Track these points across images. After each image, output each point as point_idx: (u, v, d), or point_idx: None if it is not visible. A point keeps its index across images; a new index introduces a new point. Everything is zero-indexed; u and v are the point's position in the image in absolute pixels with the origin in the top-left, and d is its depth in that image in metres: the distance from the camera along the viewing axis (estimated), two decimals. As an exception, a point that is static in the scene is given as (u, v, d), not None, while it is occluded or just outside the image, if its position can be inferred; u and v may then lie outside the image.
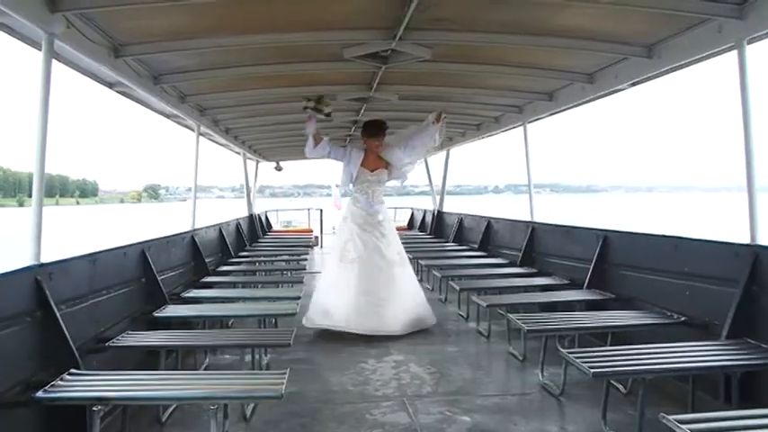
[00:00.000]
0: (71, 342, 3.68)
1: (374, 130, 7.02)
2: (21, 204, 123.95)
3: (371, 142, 6.99)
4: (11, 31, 3.97)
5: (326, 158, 7.24)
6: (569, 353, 3.85)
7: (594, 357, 3.72)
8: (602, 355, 3.80)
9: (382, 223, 7.00)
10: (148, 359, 4.69)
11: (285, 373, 3.44)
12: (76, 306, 4.10)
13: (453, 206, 14.53)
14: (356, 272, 6.68)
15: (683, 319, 4.63)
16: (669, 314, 4.79)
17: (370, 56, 5.56)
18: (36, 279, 3.60)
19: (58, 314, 3.65)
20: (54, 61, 4.34)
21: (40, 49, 3.85)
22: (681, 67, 5.15)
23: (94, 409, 3.12)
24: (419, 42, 5.25)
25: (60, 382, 3.33)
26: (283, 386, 3.22)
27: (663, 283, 5.04)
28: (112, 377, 3.50)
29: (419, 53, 5.44)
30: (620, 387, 4.55)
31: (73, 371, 3.52)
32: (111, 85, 5.85)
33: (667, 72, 5.34)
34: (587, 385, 4.56)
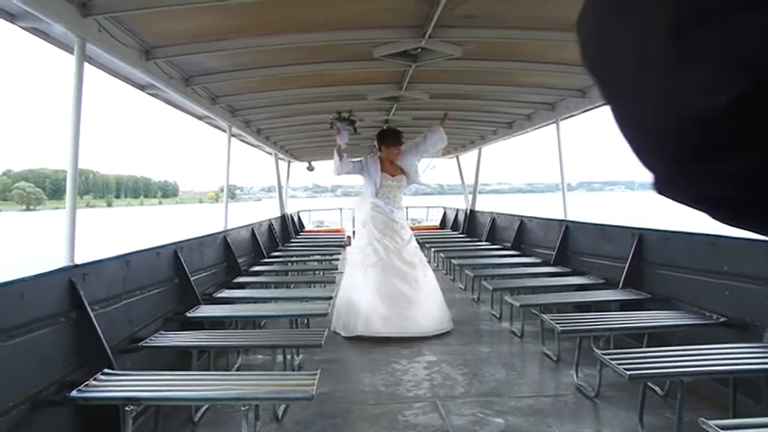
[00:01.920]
0: (105, 342, 3.72)
1: (393, 139, 7.19)
2: (109, 205, 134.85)
3: (391, 150, 7.15)
4: (44, 35, 4.04)
5: (350, 173, 7.33)
6: (604, 354, 3.77)
7: (630, 359, 3.64)
8: (639, 356, 3.72)
9: (404, 227, 7.16)
10: (181, 359, 4.73)
11: (316, 375, 3.43)
12: (110, 306, 4.16)
13: (527, 206, 14.35)
14: (377, 276, 6.74)
15: (722, 319, 4.50)
16: (708, 314, 4.66)
17: (400, 54, 5.53)
18: (70, 280, 3.66)
19: (91, 314, 3.70)
20: (88, 65, 4.45)
21: (73, 53, 3.91)
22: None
23: (127, 409, 3.15)
24: (449, 40, 5.20)
25: (94, 382, 3.36)
26: (314, 387, 3.21)
27: (701, 283, 4.92)
28: (145, 377, 3.53)
29: (449, 51, 5.40)
30: (657, 389, 4.45)
31: (106, 371, 3.56)
32: (142, 88, 5.91)
33: None
34: (623, 387, 4.46)
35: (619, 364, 3.50)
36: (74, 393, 3.20)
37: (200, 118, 8.05)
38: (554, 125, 8.47)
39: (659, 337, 4.91)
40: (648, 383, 4.05)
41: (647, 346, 4.87)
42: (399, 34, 5.11)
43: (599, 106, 7.33)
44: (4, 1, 3.51)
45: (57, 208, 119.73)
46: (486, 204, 14.86)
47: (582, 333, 4.80)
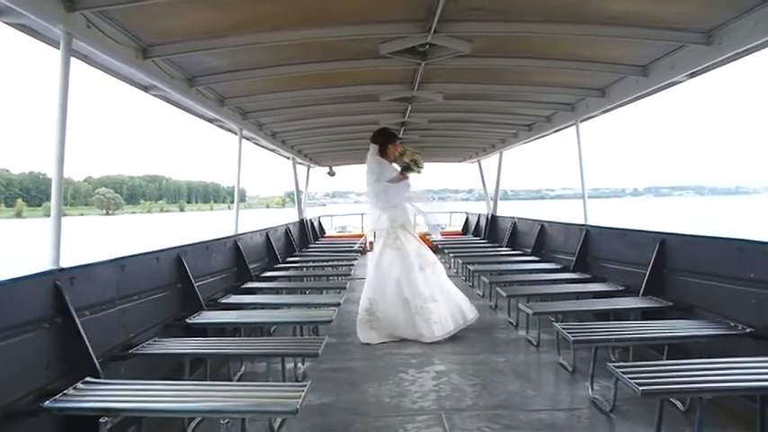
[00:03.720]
0: (90, 349, 3.56)
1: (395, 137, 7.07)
2: (182, 209, 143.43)
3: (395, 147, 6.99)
4: (30, 30, 3.90)
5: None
6: (617, 367, 3.49)
7: (646, 372, 3.37)
8: (656, 370, 3.44)
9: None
10: (180, 367, 4.55)
11: (305, 386, 3.22)
12: (102, 312, 4.01)
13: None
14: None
15: (748, 330, 4.19)
16: (733, 324, 4.36)
17: (408, 51, 5.33)
18: (55, 284, 3.51)
19: (77, 320, 3.55)
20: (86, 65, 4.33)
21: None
22: (745, 53, 4.69)
23: (101, 420, 2.97)
24: (457, 35, 4.98)
25: (72, 392, 3.19)
26: (299, 401, 2.98)
27: (726, 290, 4.62)
28: (129, 387, 3.34)
29: (458, 47, 5.17)
30: (678, 404, 4.14)
31: (88, 379, 3.38)
32: (146, 89, 5.77)
33: (729, 60, 4.89)
34: (641, 401, 4.13)
35: (631, 379, 3.23)
36: (47, 403, 3.03)
37: (209, 120, 7.92)
38: (573, 127, 8.22)
39: (681, 347, 4.61)
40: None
41: (668, 358, 4.60)
42: (404, 29, 4.89)
43: (619, 106, 7.08)
44: None
45: (133, 212, 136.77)
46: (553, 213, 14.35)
47: (596, 343, 4.51)
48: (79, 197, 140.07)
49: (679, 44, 5.05)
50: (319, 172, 15.95)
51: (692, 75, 5.48)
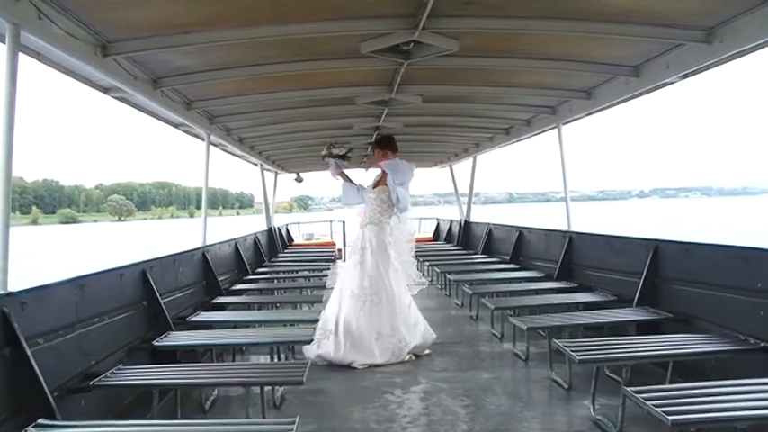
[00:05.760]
0: (44, 384, 3.15)
1: (383, 140, 6.58)
2: (191, 215, 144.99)
3: (377, 154, 6.49)
4: None
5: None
6: (636, 392, 3.19)
7: (668, 398, 3.07)
8: (677, 395, 3.13)
9: (364, 248, 6.29)
10: (146, 397, 4.11)
11: (294, 422, 2.85)
12: (59, 338, 3.61)
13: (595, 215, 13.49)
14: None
15: (762, 344, 3.94)
16: (743, 338, 4.12)
17: (391, 50, 4.99)
18: (2, 311, 3.09)
19: (28, 351, 3.13)
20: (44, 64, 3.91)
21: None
22: (746, 52, 4.47)
23: None
24: (445, 32, 4.65)
25: None
26: None
27: (731, 301, 4.38)
28: (86, 429, 2.93)
29: (445, 45, 4.85)
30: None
31: (41, 421, 2.97)
32: (106, 90, 5.35)
33: (729, 59, 4.66)
34: (648, 421, 3.88)
35: (656, 406, 2.93)
36: None
37: (175, 126, 7.50)
38: (555, 130, 7.99)
39: (688, 363, 4.35)
40: None
41: (673, 373, 4.34)
42: (390, 25, 4.55)
43: (604, 108, 6.86)
44: None
45: (145, 218, 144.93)
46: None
47: (603, 362, 4.21)
48: (91, 204, 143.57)
49: (676, 42, 4.81)
50: (287, 178, 15.55)
51: (686, 75, 5.27)
